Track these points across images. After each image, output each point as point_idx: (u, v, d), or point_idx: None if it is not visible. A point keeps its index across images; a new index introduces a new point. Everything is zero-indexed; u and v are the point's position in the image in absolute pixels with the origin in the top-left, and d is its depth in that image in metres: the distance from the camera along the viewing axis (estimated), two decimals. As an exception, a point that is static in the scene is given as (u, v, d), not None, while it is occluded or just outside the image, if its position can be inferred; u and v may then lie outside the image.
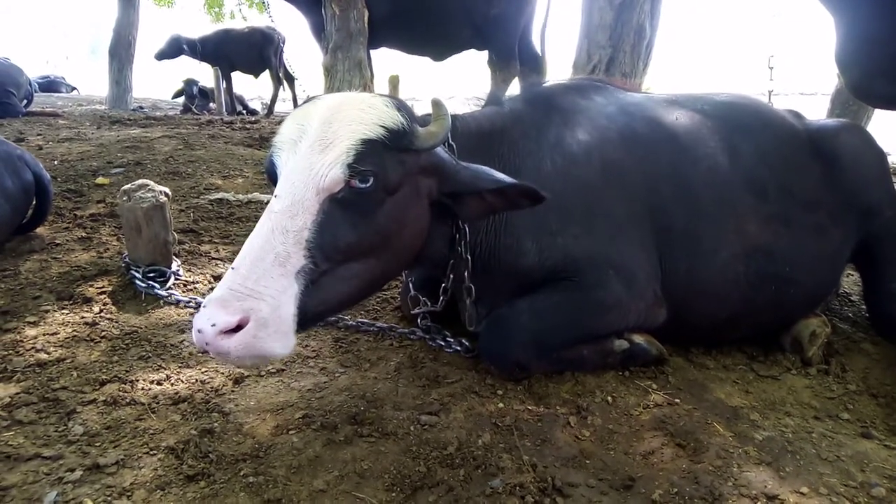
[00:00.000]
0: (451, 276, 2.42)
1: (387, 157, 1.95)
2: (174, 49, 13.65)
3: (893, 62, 2.97)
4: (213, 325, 1.64)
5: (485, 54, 7.99)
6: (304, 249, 1.82)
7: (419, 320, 2.70)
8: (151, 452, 1.92)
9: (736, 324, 2.69)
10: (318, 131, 1.92)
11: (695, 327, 2.66)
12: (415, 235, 2.17)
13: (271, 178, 2.04)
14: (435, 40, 7.69)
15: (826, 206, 2.71)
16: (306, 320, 1.84)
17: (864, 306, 3.18)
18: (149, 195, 2.97)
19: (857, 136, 2.93)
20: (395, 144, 1.96)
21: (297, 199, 1.85)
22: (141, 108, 14.43)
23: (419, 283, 2.71)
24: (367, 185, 1.90)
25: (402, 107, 2.04)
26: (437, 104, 2.07)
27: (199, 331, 1.65)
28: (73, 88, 22.53)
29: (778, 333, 2.80)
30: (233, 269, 1.77)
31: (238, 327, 1.67)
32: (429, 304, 2.62)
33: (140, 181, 3.06)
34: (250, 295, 1.71)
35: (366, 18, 6.42)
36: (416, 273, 2.73)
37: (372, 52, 7.16)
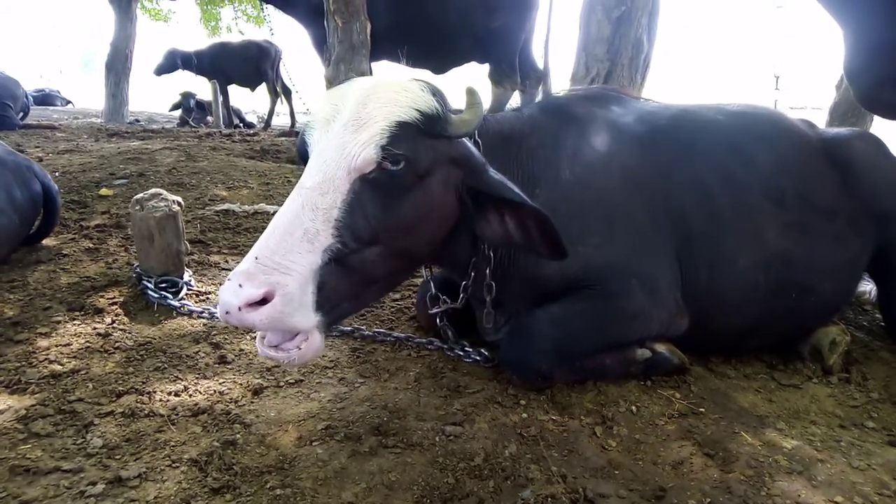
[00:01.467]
0: (473, 273, 2.40)
1: (420, 141, 1.94)
2: (171, 63, 13.69)
3: (902, 72, 2.99)
4: (239, 298, 1.64)
5: (484, 68, 8.02)
6: (333, 228, 1.82)
7: (437, 320, 2.67)
8: (174, 465, 1.87)
9: (755, 332, 2.67)
10: (353, 111, 1.91)
11: (714, 336, 2.64)
12: (441, 223, 2.15)
13: (302, 156, 2.04)
14: (436, 53, 7.71)
15: (843, 214, 2.71)
16: (334, 302, 1.83)
17: (878, 315, 3.18)
18: (161, 204, 2.94)
19: (870, 144, 2.94)
20: (429, 129, 1.95)
21: (329, 177, 1.85)
22: (137, 121, 14.43)
23: (439, 286, 2.67)
24: (399, 167, 1.89)
25: (436, 92, 2.02)
26: (471, 92, 2.05)
27: (225, 303, 1.66)
28: (68, 102, 22.48)
29: (796, 342, 2.79)
30: (260, 242, 1.77)
31: (264, 300, 1.68)
32: (448, 301, 2.58)
33: (153, 190, 3.03)
34: (276, 269, 1.72)
35: (368, 31, 6.41)
36: (436, 275, 2.70)
37: (373, 64, 7.17)
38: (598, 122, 2.64)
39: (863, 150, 2.88)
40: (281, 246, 1.75)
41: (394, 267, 2.05)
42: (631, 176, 2.52)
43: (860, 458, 2.04)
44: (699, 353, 2.68)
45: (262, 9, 9.58)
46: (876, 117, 5.76)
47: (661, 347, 2.47)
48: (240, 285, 1.66)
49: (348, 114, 1.92)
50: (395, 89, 1.96)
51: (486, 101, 8.08)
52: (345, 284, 1.87)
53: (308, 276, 1.76)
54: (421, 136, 1.94)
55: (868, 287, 3.18)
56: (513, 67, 7.66)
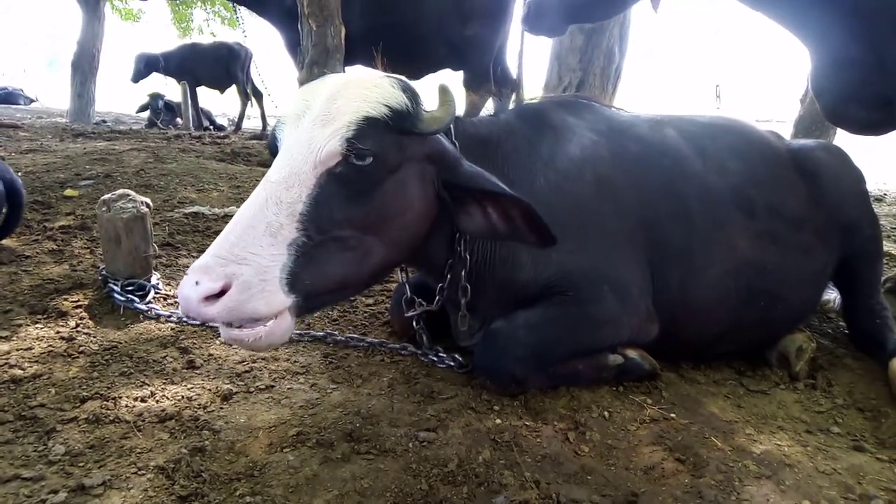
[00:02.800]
0: (449, 276, 2.39)
1: (388, 136, 1.93)
2: (141, 67, 13.43)
3: (866, 87, 3.06)
4: (197, 293, 1.64)
5: (458, 75, 8.04)
6: (297, 222, 1.81)
7: (413, 323, 2.65)
8: (140, 472, 1.82)
9: (725, 339, 2.72)
10: (322, 107, 1.91)
11: (685, 342, 2.68)
12: (417, 221, 2.12)
13: (273, 152, 2.02)
14: (411, 59, 7.69)
15: (810, 224, 2.77)
16: (301, 295, 1.81)
17: (841, 322, 3.26)
18: (129, 205, 2.87)
19: (835, 156, 3.02)
20: (399, 125, 1.94)
21: (294, 171, 1.84)
22: (104, 121, 14.15)
23: (413, 290, 2.65)
24: (365, 162, 1.88)
25: (408, 88, 2.01)
26: (443, 90, 2.05)
27: (184, 297, 1.65)
28: (32, 100, 21.93)
29: (764, 348, 2.84)
30: (221, 236, 1.76)
31: (222, 293, 1.67)
32: (424, 304, 2.56)
33: (120, 191, 2.95)
34: (234, 260, 1.70)
35: (343, 35, 6.39)
36: (411, 279, 2.68)
37: (347, 68, 7.14)
38: (572, 129, 2.66)
39: (828, 161, 2.95)
40: (242, 239, 1.73)
41: (370, 261, 2.01)
42: (604, 183, 2.54)
43: (826, 463, 2.08)
44: (670, 359, 2.70)
45: (235, 10, 9.49)
46: (839, 130, 5.92)
47: (632, 353, 2.48)
48: (196, 282, 1.65)
49: (318, 109, 1.91)
50: (366, 85, 1.96)
51: (461, 106, 8.11)
52: (315, 275, 1.84)
53: (267, 264, 1.73)
54: (390, 131, 1.93)
55: (832, 295, 3.25)
56: (487, 75, 7.68)
